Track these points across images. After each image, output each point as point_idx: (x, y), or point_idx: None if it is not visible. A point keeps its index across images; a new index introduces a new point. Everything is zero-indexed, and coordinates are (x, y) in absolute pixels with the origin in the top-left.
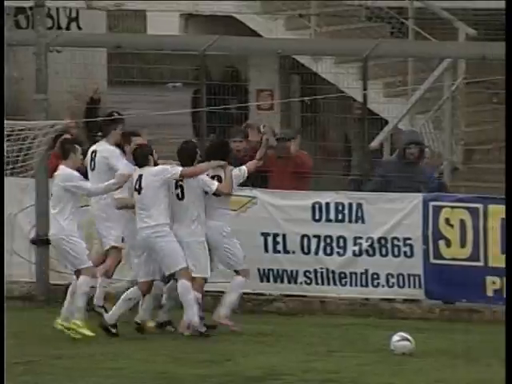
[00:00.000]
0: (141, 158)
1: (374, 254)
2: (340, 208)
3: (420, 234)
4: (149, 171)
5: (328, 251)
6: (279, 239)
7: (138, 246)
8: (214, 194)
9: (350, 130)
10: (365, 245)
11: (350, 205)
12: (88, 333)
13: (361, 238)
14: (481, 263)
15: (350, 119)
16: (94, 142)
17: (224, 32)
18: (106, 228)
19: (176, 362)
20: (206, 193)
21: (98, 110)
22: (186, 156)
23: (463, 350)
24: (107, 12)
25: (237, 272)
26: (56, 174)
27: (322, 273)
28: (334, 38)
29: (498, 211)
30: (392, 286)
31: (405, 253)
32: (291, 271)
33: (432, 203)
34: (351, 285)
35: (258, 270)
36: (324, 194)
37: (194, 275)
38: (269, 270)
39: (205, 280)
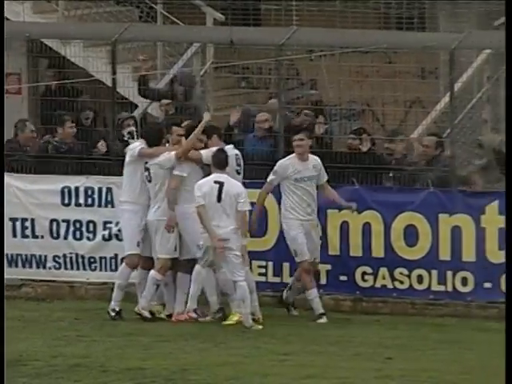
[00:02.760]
0: None
1: (123, 239)
2: (90, 192)
3: None
4: None
5: (77, 236)
6: (28, 224)
7: None
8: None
9: (103, 114)
10: (114, 229)
11: (100, 189)
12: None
13: (110, 222)
14: None
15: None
16: None
17: None
18: None
19: None
20: None
21: None
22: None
23: (212, 334)
24: None
25: None
26: None
27: (71, 258)
28: (82, 21)
29: None
30: None
31: None
32: (40, 256)
33: None
34: (101, 269)
35: (7, 255)
36: (73, 179)
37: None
38: (17, 254)
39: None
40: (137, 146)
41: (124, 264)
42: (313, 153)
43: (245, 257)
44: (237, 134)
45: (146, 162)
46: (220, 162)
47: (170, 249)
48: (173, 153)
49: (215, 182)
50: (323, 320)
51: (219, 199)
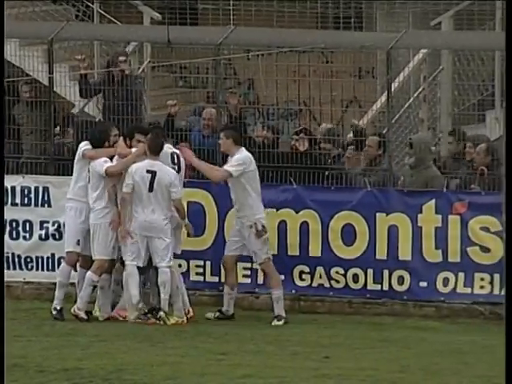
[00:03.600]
0: None
1: (60, 238)
2: (26, 192)
3: None
4: None
5: (14, 236)
6: None
7: None
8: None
9: (23, 113)
10: (51, 229)
11: (37, 188)
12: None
13: (47, 222)
14: None
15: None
16: None
17: None
18: None
19: None
20: None
21: None
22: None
23: (149, 334)
24: None
25: None
26: None
27: (7, 257)
28: (18, 20)
29: None
30: None
31: None
32: None
33: None
34: (37, 269)
35: None
36: (10, 178)
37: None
38: None
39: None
40: (83, 145)
41: (63, 262)
42: (251, 152)
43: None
44: (182, 130)
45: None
46: (155, 146)
47: (107, 250)
48: (105, 167)
49: (148, 171)
50: (209, 315)
51: (151, 189)
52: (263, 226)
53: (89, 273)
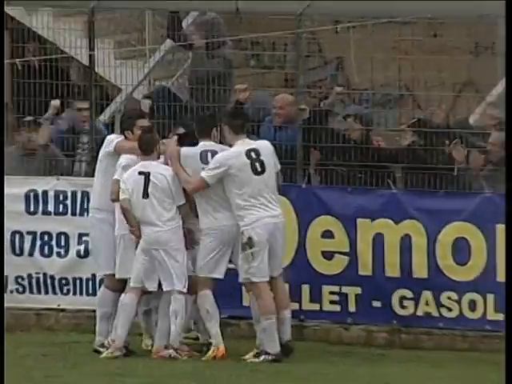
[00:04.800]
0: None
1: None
2: (61, 197)
3: None
4: None
5: (46, 252)
6: None
7: None
8: None
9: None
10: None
11: (74, 193)
12: None
13: (87, 235)
14: None
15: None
16: None
17: None
18: None
19: None
20: None
21: None
22: None
23: (211, 374)
24: None
25: None
26: None
27: (38, 279)
28: None
29: None
30: None
31: None
32: None
33: None
34: (75, 293)
35: None
36: (41, 181)
37: None
38: None
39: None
40: (114, 138)
41: (103, 287)
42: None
43: None
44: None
45: None
46: (144, 144)
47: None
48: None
49: (140, 172)
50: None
51: (145, 195)
52: (249, 239)
53: (122, 296)
